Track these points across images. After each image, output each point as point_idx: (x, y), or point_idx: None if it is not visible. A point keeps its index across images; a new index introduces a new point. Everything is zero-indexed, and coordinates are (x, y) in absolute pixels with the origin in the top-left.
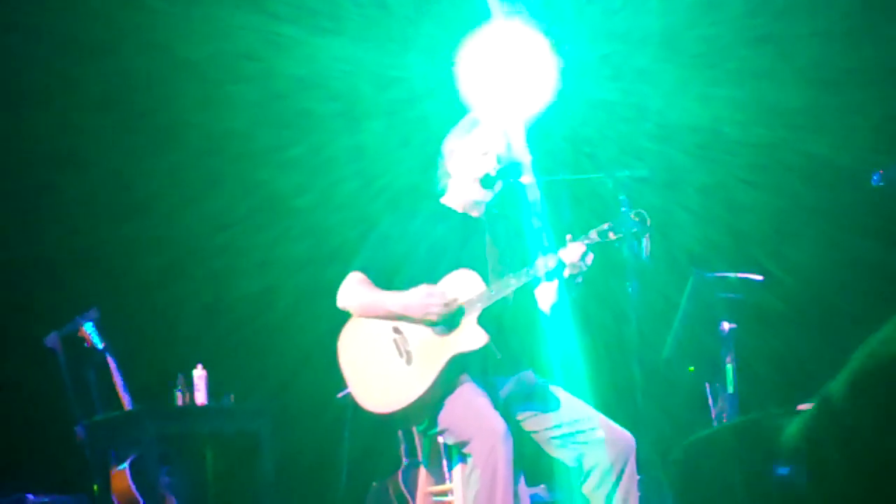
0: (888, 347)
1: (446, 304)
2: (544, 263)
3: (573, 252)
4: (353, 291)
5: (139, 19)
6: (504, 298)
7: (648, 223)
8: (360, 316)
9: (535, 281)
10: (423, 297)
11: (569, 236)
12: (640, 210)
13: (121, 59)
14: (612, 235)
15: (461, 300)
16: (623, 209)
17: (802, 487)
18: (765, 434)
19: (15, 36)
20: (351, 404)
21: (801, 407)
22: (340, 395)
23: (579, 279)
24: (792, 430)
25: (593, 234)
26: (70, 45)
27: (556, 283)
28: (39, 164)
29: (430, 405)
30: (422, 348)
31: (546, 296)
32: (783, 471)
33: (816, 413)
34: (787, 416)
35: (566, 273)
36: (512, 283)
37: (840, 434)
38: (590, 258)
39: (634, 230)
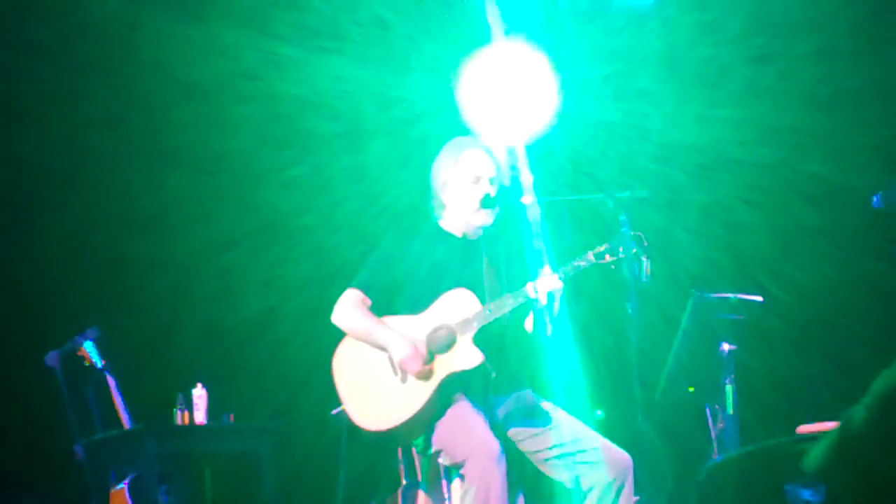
0: None
1: (421, 371)
2: (533, 287)
3: (545, 284)
4: (348, 313)
5: (141, 39)
6: (502, 317)
7: (646, 244)
8: (351, 337)
9: (532, 302)
10: (409, 354)
11: (545, 268)
12: (637, 232)
13: (123, 78)
14: (608, 258)
15: (454, 322)
16: (622, 229)
17: None
18: (786, 458)
19: (18, 54)
20: (346, 424)
21: (803, 429)
22: (335, 411)
23: (555, 312)
24: (815, 454)
25: (590, 256)
26: (73, 65)
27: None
28: (40, 182)
29: (423, 423)
30: None
31: (533, 319)
32: (805, 494)
33: (838, 438)
34: (807, 441)
35: (540, 304)
36: (508, 304)
37: (860, 459)
38: (558, 292)
39: (633, 251)
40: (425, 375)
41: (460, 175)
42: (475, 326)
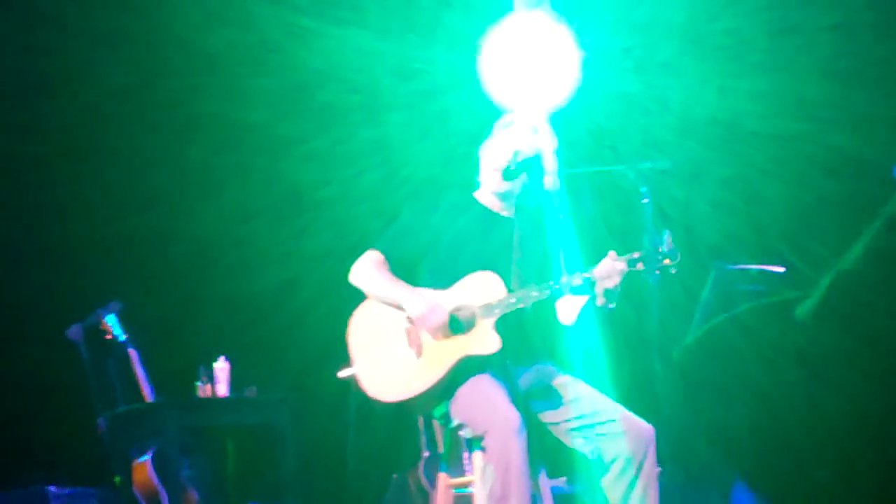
0: None
1: (438, 328)
2: (569, 280)
3: (606, 268)
4: (367, 272)
5: (160, 10)
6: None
7: (678, 258)
8: (369, 297)
9: (558, 293)
10: (427, 309)
11: (612, 253)
12: (674, 248)
13: (142, 50)
14: (640, 266)
15: (477, 305)
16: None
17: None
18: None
19: (37, 27)
20: (354, 387)
21: None
22: (342, 374)
23: (612, 305)
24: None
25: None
26: (92, 37)
27: (582, 299)
28: (60, 155)
29: (431, 400)
30: (433, 343)
31: (569, 309)
32: None
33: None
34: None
35: (598, 289)
36: (534, 295)
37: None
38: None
39: (663, 261)
40: (441, 343)
41: (493, 144)
42: (497, 313)
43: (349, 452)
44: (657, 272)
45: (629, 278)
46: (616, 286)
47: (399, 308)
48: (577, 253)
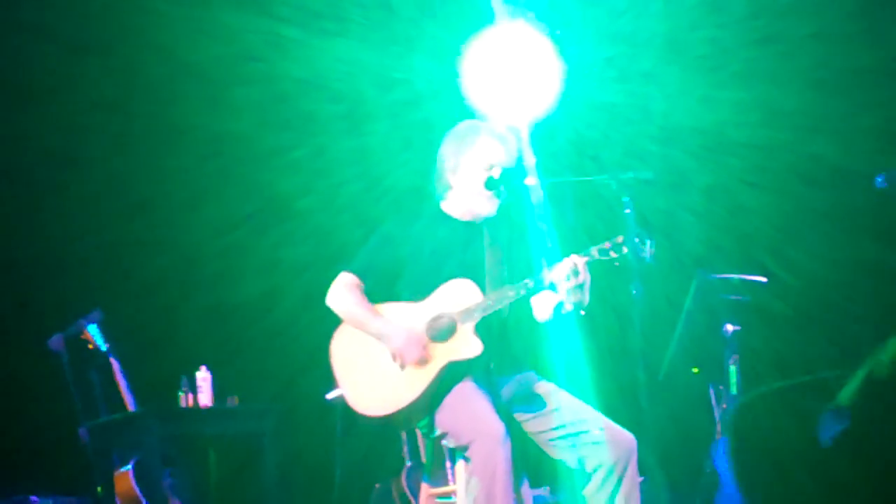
0: None
1: (418, 360)
2: (541, 278)
3: (563, 269)
4: (342, 297)
5: (143, 21)
6: (502, 309)
7: (650, 250)
8: (344, 321)
9: (534, 291)
10: (404, 342)
11: (572, 255)
12: (641, 234)
13: (124, 60)
14: (612, 255)
15: (455, 311)
16: (626, 231)
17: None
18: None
19: (19, 36)
20: (341, 409)
21: None
22: (329, 396)
23: (582, 312)
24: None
25: (593, 252)
26: (74, 46)
27: (556, 296)
28: (42, 165)
29: (422, 410)
30: None
31: (543, 307)
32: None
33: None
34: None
35: (561, 290)
36: (509, 295)
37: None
38: (582, 277)
39: (636, 243)
40: (423, 362)
41: (475, 161)
42: (476, 316)
43: (337, 472)
44: (614, 255)
45: (611, 288)
46: (580, 284)
47: (377, 339)
48: (557, 259)
